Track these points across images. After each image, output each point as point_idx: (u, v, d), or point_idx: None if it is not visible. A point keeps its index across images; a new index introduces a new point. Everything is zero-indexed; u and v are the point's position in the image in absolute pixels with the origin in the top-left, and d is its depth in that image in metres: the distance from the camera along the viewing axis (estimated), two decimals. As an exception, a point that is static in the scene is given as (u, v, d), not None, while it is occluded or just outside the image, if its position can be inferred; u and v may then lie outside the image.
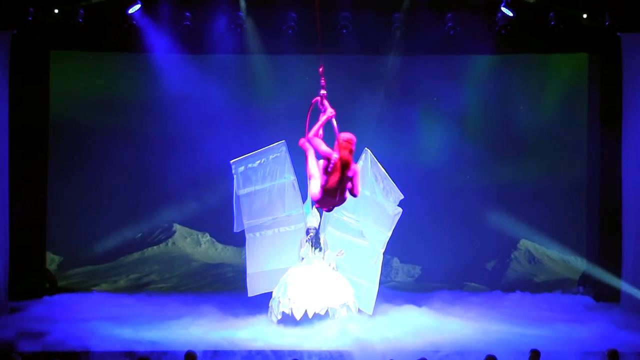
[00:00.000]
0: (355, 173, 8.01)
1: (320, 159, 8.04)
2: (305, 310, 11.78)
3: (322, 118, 8.16)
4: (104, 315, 12.48)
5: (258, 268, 12.54)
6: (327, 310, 11.87)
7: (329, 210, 8.56)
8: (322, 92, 8.25)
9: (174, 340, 11.00)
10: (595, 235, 14.55)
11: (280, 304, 11.89)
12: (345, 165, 7.95)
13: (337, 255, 12.26)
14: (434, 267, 16.89)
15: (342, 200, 8.10)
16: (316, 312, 11.82)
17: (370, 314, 12.27)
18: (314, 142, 8.05)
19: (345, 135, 8.06)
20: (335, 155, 7.92)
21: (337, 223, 12.45)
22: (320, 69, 8.41)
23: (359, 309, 12.17)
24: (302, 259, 12.26)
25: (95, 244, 16.97)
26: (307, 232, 12.29)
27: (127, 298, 14.18)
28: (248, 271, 12.54)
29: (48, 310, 12.91)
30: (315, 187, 8.01)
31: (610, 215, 14.01)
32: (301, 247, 12.30)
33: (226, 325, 11.97)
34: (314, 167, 8.02)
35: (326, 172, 7.93)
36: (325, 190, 7.96)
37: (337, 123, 8.22)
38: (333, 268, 12.21)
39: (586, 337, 11.31)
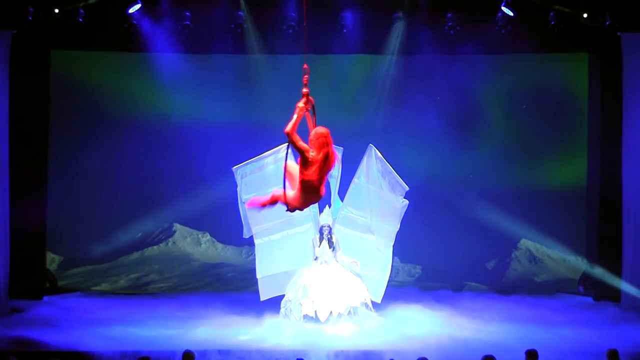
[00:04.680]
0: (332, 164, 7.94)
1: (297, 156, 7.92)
2: (331, 311, 11.79)
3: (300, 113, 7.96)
4: (104, 315, 12.50)
5: (268, 272, 12.48)
6: (349, 310, 11.90)
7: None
8: (304, 90, 8.15)
9: (173, 340, 11.00)
10: (595, 235, 14.54)
11: (302, 306, 11.88)
12: (326, 159, 7.86)
13: (353, 264, 12.28)
14: (434, 266, 16.89)
15: (323, 193, 8.02)
16: (340, 313, 11.84)
17: (379, 302, 12.32)
18: (294, 137, 7.83)
19: (321, 129, 7.94)
20: (312, 153, 7.81)
21: (344, 220, 12.45)
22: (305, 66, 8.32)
23: (371, 300, 12.22)
24: (316, 258, 12.26)
25: (95, 243, 16.98)
26: (321, 230, 12.29)
27: (127, 298, 14.20)
28: (258, 276, 12.47)
29: (48, 310, 12.91)
30: (290, 192, 7.99)
31: (610, 215, 14.00)
32: (314, 247, 12.30)
33: (226, 325, 11.96)
34: (293, 169, 8.02)
35: (305, 168, 7.81)
36: (307, 187, 7.88)
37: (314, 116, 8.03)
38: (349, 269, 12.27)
39: (586, 337, 11.31)
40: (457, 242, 16.85)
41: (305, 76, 8.06)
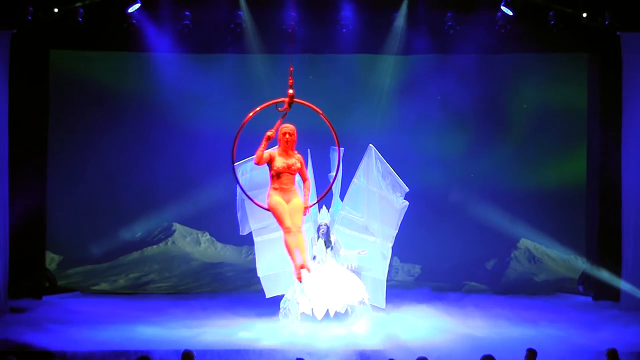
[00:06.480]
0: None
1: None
2: (327, 310, 11.79)
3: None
4: (103, 315, 12.51)
5: (269, 270, 12.48)
6: (346, 309, 11.90)
7: None
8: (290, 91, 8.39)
9: (172, 339, 10.99)
10: (595, 235, 14.55)
11: (299, 304, 11.88)
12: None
13: (360, 253, 12.27)
14: (434, 266, 16.89)
15: None
16: (337, 311, 11.84)
17: (384, 307, 12.32)
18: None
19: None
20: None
21: (344, 220, 12.44)
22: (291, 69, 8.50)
23: (371, 304, 12.22)
24: (314, 257, 12.26)
25: (94, 243, 16.98)
26: (318, 229, 12.29)
27: (126, 298, 14.20)
28: (259, 274, 12.49)
29: (47, 310, 12.93)
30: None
31: (609, 215, 14.01)
32: (312, 246, 12.29)
33: (225, 325, 11.97)
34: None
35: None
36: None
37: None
38: (352, 267, 12.23)
39: (585, 337, 11.32)
40: (457, 242, 16.85)
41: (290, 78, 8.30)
